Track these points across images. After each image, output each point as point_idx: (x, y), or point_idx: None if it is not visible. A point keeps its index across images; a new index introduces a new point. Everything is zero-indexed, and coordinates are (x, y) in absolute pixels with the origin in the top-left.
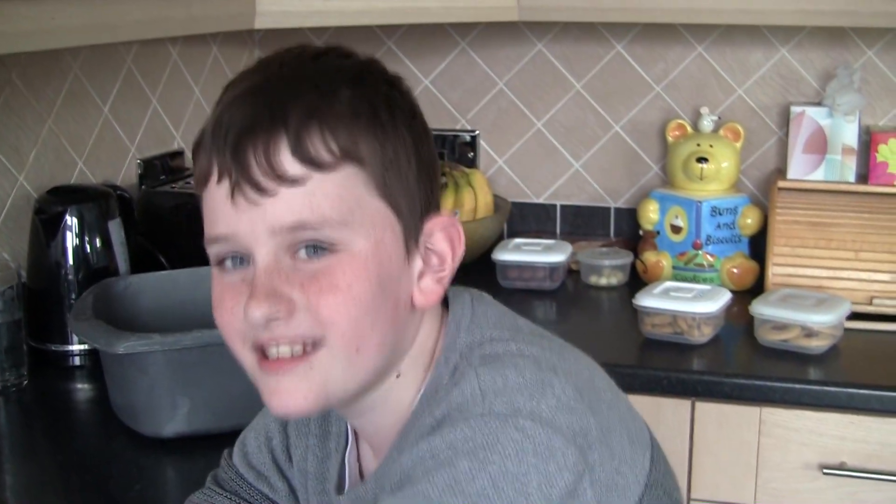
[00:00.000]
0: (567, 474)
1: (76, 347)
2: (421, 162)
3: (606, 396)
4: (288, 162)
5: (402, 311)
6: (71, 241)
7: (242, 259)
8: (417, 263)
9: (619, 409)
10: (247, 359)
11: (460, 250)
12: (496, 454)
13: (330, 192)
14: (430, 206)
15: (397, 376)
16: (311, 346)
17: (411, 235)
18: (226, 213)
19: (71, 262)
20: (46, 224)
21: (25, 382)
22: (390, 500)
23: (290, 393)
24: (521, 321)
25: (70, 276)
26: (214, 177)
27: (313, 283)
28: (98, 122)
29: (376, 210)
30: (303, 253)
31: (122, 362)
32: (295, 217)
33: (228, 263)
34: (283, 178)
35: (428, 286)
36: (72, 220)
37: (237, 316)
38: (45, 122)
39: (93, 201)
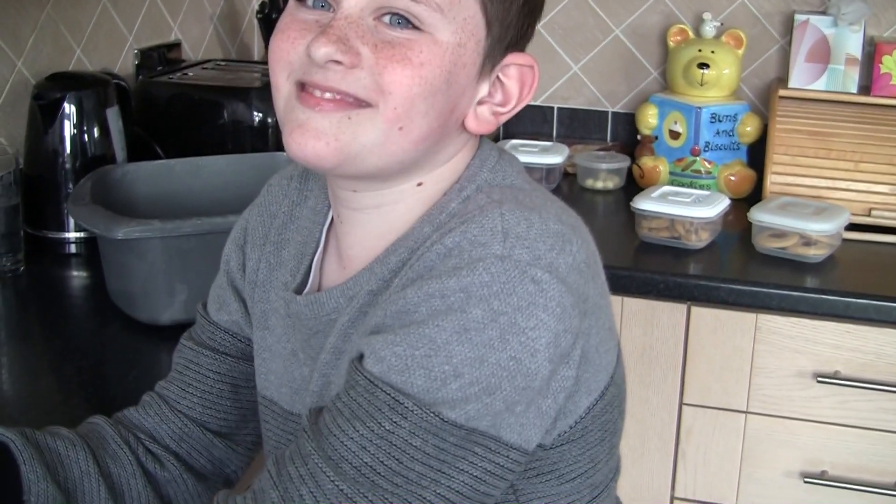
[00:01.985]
0: (569, 336)
1: (73, 235)
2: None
3: (603, 275)
4: None
5: (452, 122)
6: (69, 128)
7: (325, 3)
8: (484, 88)
9: (607, 294)
10: (283, 88)
11: (527, 96)
12: (509, 306)
13: None
14: (519, 42)
15: (419, 184)
16: (360, 104)
17: (491, 58)
18: None
19: (68, 149)
20: (45, 110)
21: (22, 268)
22: (392, 336)
23: (316, 133)
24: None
25: (67, 164)
26: None
27: (388, 48)
28: (96, 10)
29: (472, 15)
30: (388, 20)
31: (120, 248)
32: None
33: (309, 2)
34: None
35: (484, 114)
36: (70, 107)
37: (296, 47)
38: (43, 7)
39: (91, 88)
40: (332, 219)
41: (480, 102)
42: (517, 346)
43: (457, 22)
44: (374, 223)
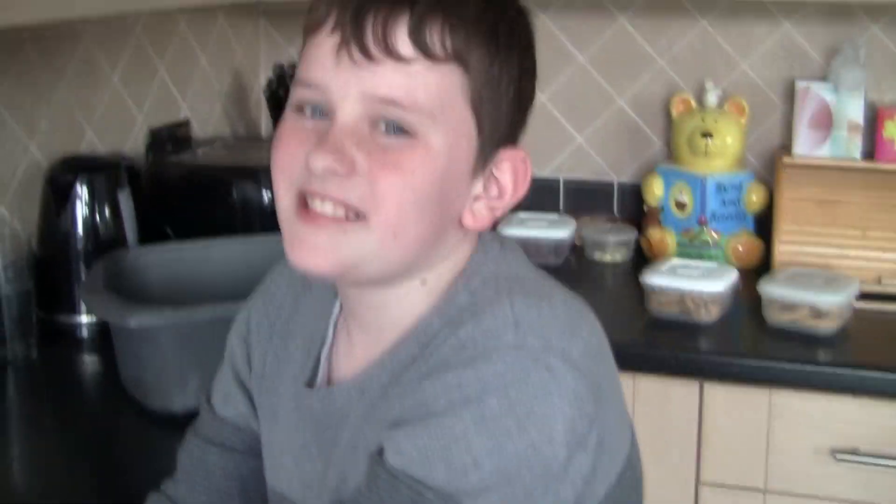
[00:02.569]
0: (585, 422)
1: (85, 319)
2: (519, 93)
3: (612, 359)
4: (402, 40)
5: (448, 222)
6: (81, 210)
7: (323, 112)
8: (478, 185)
9: (617, 377)
10: (284, 202)
11: (522, 189)
12: (525, 394)
13: (429, 82)
14: (510, 138)
15: (422, 283)
16: (353, 216)
17: (483, 155)
18: (325, 64)
19: (80, 231)
20: (57, 193)
21: (34, 354)
22: (411, 429)
23: (314, 249)
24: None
25: (79, 247)
26: (328, 27)
27: (381, 156)
28: (107, 93)
29: (463, 117)
30: (382, 127)
31: (132, 336)
32: (390, 91)
33: (308, 110)
34: (391, 52)
35: (480, 210)
36: (82, 190)
37: (296, 159)
38: (56, 91)
39: (103, 171)
40: (339, 312)
41: (476, 199)
42: (535, 433)
43: (448, 125)
44: (380, 319)
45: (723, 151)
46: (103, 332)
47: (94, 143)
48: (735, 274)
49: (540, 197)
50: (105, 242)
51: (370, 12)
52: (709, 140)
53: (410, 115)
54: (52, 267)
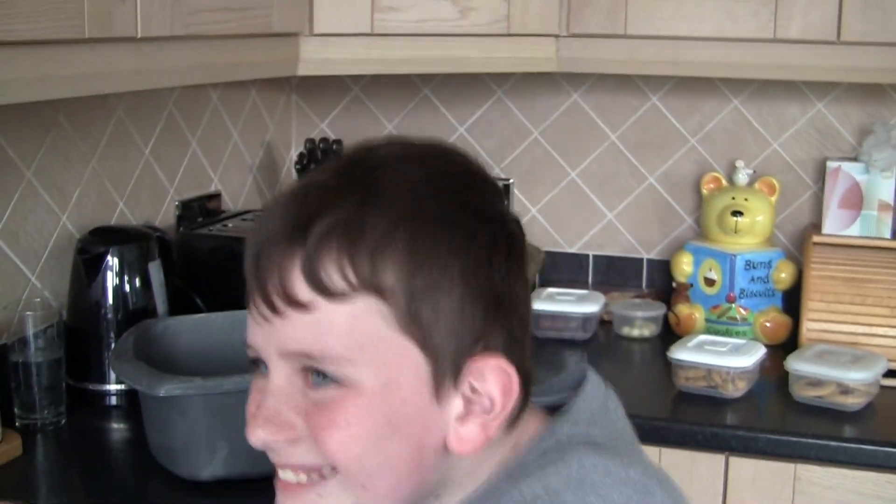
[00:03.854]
0: None
1: (114, 387)
2: (469, 291)
3: None
4: (299, 284)
5: (428, 455)
6: (111, 281)
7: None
8: (456, 405)
9: None
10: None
11: (511, 402)
12: None
13: (337, 324)
14: (483, 341)
15: (436, 498)
16: (321, 473)
17: (446, 374)
18: (251, 322)
19: (111, 302)
20: (88, 264)
21: (63, 421)
22: None
23: None
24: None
25: (109, 316)
26: (250, 279)
27: (316, 415)
28: (139, 164)
29: (394, 346)
30: (312, 378)
31: (161, 404)
32: (298, 345)
33: (262, 367)
34: (291, 301)
35: (470, 433)
36: (113, 261)
37: (249, 427)
38: (89, 162)
39: (134, 242)
40: None
41: (460, 419)
42: None
43: (376, 363)
44: None
45: (752, 229)
46: (132, 400)
47: (125, 214)
48: (762, 350)
49: (569, 272)
50: (135, 312)
51: (267, 261)
52: (739, 218)
53: (324, 365)
54: (82, 335)
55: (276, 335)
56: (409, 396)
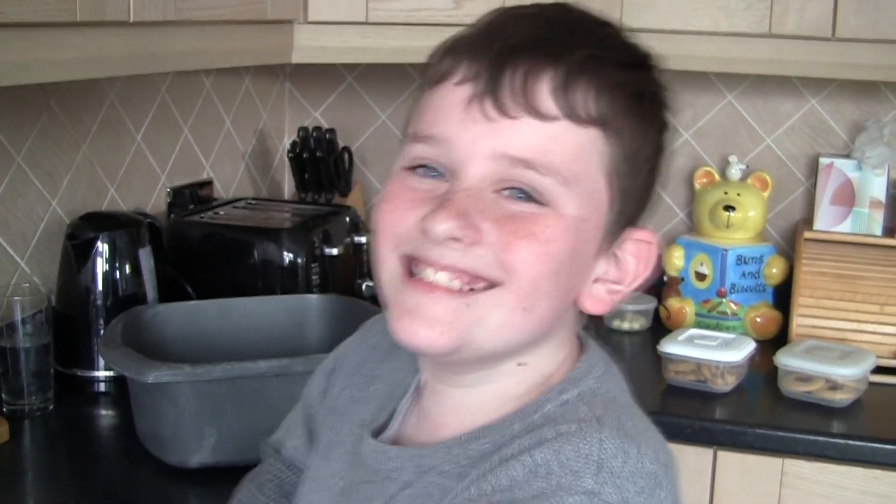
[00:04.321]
0: None
1: (102, 373)
2: (653, 171)
3: None
4: (544, 96)
5: (568, 298)
6: (101, 267)
7: (441, 173)
8: (601, 265)
9: None
10: (388, 262)
11: (645, 273)
12: None
13: (569, 145)
14: (639, 217)
15: (520, 364)
16: (475, 287)
17: (611, 233)
18: (452, 117)
19: (100, 288)
20: (78, 250)
21: (51, 407)
22: None
23: (429, 321)
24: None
25: (99, 303)
26: (455, 78)
27: (511, 223)
28: (131, 150)
29: (598, 188)
30: (508, 192)
31: (150, 391)
32: (524, 151)
33: (421, 171)
34: (531, 109)
35: (599, 293)
36: (103, 247)
37: (406, 218)
38: (80, 148)
39: (124, 229)
40: (422, 378)
41: (596, 280)
42: None
43: (582, 196)
44: (468, 400)
45: (744, 224)
46: (120, 386)
47: (116, 200)
48: (752, 345)
49: None
50: (125, 299)
51: (510, 62)
52: (731, 213)
53: (545, 178)
54: (71, 321)
55: (497, 136)
56: (590, 239)
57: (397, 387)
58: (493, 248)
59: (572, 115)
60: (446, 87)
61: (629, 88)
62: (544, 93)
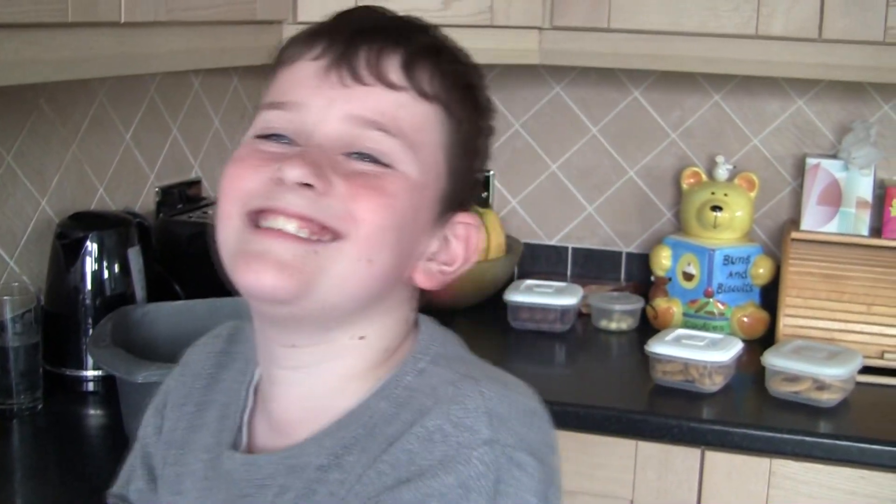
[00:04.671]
0: None
1: (91, 373)
2: (479, 157)
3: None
4: (393, 69)
5: (404, 270)
6: (90, 266)
7: (290, 140)
8: (434, 243)
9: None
10: (234, 218)
11: (472, 256)
12: (506, 495)
13: (415, 114)
14: (468, 201)
15: (361, 337)
16: (326, 236)
17: (444, 208)
18: (307, 85)
19: (89, 287)
20: (67, 249)
21: (40, 406)
22: None
23: (277, 264)
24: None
25: (88, 302)
26: (312, 55)
27: (360, 178)
28: (120, 150)
29: (437, 160)
30: (356, 157)
31: (139, 390)
32: (375, 114)
33: (272, 139)
34: (382, 78)
35: (431, 270)
36: (92, 247)
37: (257, 174)
38: (69, 147)
39: (113, 228)
40: (259, 379)
41: (429, 258)
42: None
43: (423, 163)
44: (312, 383)
45: (731, 224)
46: (109, 386)
47: (105, 199)
48: (739, 345)
49: (548, 264)
50: (114, 298)
51: (365, 41)
52: (718, 213)
53: (393, 140)
54: (60, 321)
55: (351, 98)
56: (427, 207)
57: (232, 402)
58: (342, 199)
59: (418, 89)
60: (302, 63)
61: (464, 80)
62: (394, 66)
